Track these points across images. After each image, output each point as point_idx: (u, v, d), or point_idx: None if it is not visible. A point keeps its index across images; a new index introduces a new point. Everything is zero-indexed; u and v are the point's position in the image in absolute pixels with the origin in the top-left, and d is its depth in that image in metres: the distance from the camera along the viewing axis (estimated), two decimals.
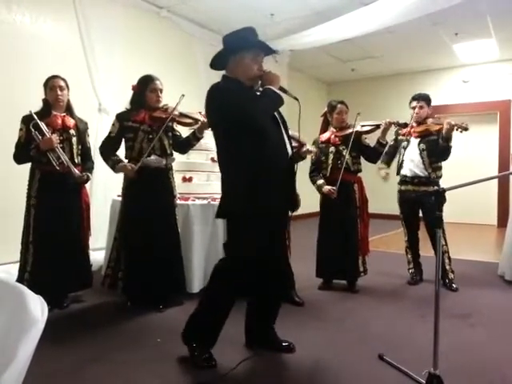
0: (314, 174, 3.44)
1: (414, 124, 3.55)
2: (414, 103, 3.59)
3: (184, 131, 3.19)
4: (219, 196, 2.23)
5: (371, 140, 3.42)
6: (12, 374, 0.85)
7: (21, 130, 2.84)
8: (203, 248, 3.23)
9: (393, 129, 3.53)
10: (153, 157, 2.87)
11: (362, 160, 3.44)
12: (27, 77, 3.78)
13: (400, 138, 3.65)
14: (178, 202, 3.14)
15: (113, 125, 2.94)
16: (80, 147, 2.98)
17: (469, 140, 6.78)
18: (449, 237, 3.54)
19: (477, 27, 5.66)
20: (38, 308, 1.00)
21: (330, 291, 3.38)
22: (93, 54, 4.37)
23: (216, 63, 2.18)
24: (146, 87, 2.89)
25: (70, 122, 2.93)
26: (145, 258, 2.84)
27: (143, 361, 2.12)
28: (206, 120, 2.78)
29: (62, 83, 2.87)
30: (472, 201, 7.18)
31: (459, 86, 7.67)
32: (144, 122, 2.87)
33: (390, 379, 1.97)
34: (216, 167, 2.53)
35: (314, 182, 3.42)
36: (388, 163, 3.71)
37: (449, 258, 3.50)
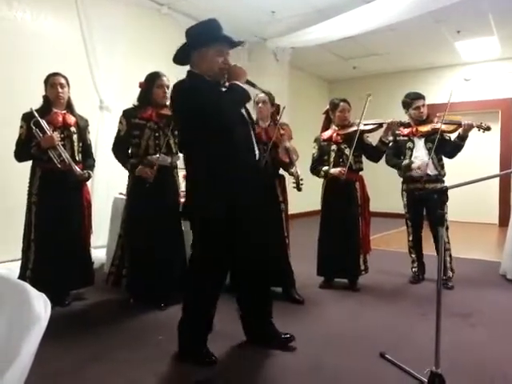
0: (315, 166, 3.39)
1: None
2: (421, 102, 3.49)
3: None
4: None
5: (373, 139, 3.40)
6: (15, 371, 0.84)
7: (21, 127, 2.83)
8: None
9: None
10: (158, 155, 2.85)
11: (364, 159, 3.42)
12: (28, 74, 3.76)
13: (401, 138, 3.57)
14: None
15: (120, 123, 2.93)
16: (81, 144, 2.98)
17: (470, 138, 6.74)
18: (450, 235, 3.53)
19: (479, 25, 5.64)
20: (41, 305, 1.00)
21: (331, 290, 3.37)
22: (94, 51, 4.35)
23: (179, 58, 2.10)
24: (153, 84, 2.88)
25: (71, 119, 2.92)
26: (148, 256, 2.84)
27: (145, 360, 2.12)
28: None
29: (62, 80, 2.87)
30: (473, 199, 7.15)
31: (461, 84, 7.63)
32: (151, 119, 2.86)
33: (392, 378, 1.97)
34: None
35: (318, 171, 3.36)
36: (399, 167, 3.54)
37: (450, 257, 3.49)
